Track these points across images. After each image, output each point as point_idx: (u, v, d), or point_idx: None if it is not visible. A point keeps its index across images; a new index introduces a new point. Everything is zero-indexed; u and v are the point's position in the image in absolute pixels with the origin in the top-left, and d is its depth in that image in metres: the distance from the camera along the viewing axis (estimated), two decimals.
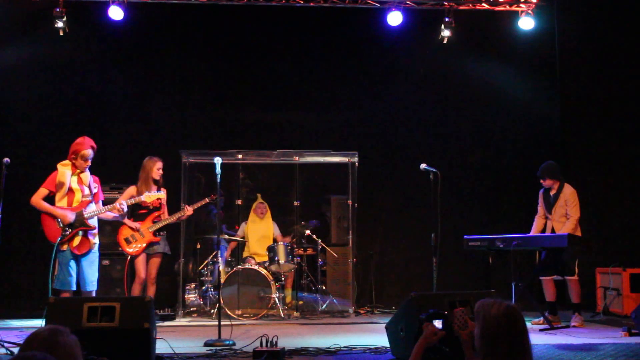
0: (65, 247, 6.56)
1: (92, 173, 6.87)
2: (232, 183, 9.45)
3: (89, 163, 6.74)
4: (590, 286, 8.89)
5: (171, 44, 10.00)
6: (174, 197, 8.32)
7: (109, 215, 7.04)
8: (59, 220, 6.56)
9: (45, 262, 7.85)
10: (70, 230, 6.54)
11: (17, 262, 9.32)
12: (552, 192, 7.87)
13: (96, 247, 6.78)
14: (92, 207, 6.78)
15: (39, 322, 6.14)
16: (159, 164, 7.72)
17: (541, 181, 7.94)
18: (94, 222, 6.75)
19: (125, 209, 7.07)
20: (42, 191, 6.68)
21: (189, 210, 7.77)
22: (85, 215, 6.65)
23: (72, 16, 9.24)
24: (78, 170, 6.70)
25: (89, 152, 6.69)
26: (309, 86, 10.25)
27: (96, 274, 6.77)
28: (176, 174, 8.86)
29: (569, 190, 7.80)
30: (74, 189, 6.67)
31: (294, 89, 10.23)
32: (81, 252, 6.62)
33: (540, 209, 8.06)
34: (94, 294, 6.69)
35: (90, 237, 6.69)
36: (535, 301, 7.79)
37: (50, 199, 6.69)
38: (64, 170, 6.66)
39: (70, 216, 6.55)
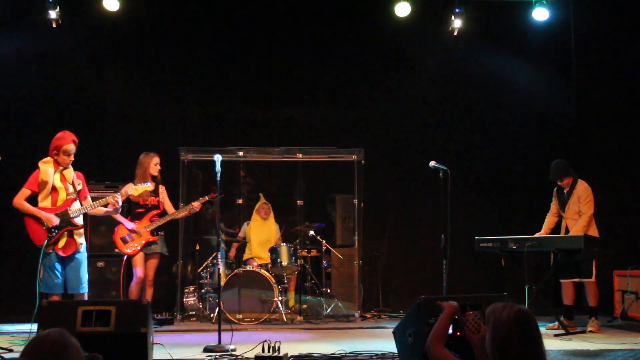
0: (50, 249, 6.29)
1: (76, 169, 6.61)
2: (232, 181, 9.34)
3: (72, 158, 6.48)
4: (607, 289, 8.74)
5: (169, 37, 9.84)
6: (173, 195, 8.23)
7: (101, 210, 6.75)
8: (43, 222, 6.29)
9: (35, 265, 7.65)
10: (56, 231, 6.28)
11: (6, 265, 9.16)
12: (566, 190, 7.76)
13: (83, 248, 6.49)
14: (77, 205, 6.51)
15: (29, 327, 6.03)
16: (156, 159, 7.66)
17: (558, 183, 7.84)
18: (80, 221, 6.49)
19: (120, 203, 6.80)
20: (25, 192, 6.41)
21: (196, 206, 7.72)
22: (71, 214, 6.37)
23: (65, 7, 9.05)
24: (61, 167, 6.44)
25: (72, 147, 6.43)
26: (313, 81, 10.11)
27: (86, 275, 6.49)
28: (174, 171, 8.76)
29: (582, 187, 7.68)
30: (57, 187, 6.40)
31: (297, 84, 10.09)
32: (67, 253, 6.33)
33: (554, 206, 7.98)
34: (86, 297, 6.44)
35: (76, 238, 6.41)
36: (550, 305, 7.79)
37: (33, 199, 6.43)
38: (46, 168, 6.40)
39: (55, 220, 6.27)
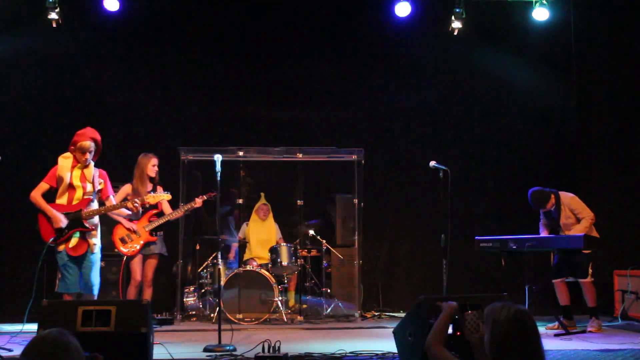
0: (61, 247, 6.16)
1: (97, 166, 6.43)
2: (232, 181, 9.32)
3: (88, 156, 6.29)
4: (607, 289, 8.69)
5: (169, 37, 9.82)
6: (173, 195, 8.07)
7: (124, 211, 6.69)
8: (51, 222, 6.17)
9: (36, 265, 7.60)
10: (66, 231, 6.14)
11: (6, 265, 9.14)
12: (552, 209, 7.66)
13: (97, 249, 6.33)
14: (94, 206, 6.35)
15: (31, 327, 6.00)
16: (154, 161, 7.61)
17: (542, 210, 7.75)
18: (94, 222, 6.32)
19: (140, 208, 6.78)
20: (43, 186, 6.26)
21: (198, 202, 7.65)
22: (84, 215, 6.21)
23: (66, 7, 9.06)
24: (80, 164, 6.27)
25: (88, 144, 6.26)
26: (313, 81, 10.08)
27: (98, 278, 6.33)
28: (174, 171, 8.72)
29: (567, 199, 7.60)
30: (75, 185, 6.24)
31: (297, 83, 10.06)
32: (77, 253, 6.20)
33: (543, 219, 7.91)
34: (95, 297, 6.29)
35: (89, 239, 6.25)
36: (550, 305, 7.69)
37: (52, 194, 6.28)
38: (64, 164, 6.26)
39: (63, 222, 6.13)
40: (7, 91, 9.37)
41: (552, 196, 7.59)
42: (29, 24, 9.27)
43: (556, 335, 6.94)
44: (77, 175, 6.26)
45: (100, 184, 6.41)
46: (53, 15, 8.92)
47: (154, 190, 7.71)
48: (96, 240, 6.33)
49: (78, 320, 4.55)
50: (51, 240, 6.11)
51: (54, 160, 6.41)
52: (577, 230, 7.38)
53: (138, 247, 7.44)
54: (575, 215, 7.51)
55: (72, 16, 9.21)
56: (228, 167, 7.80)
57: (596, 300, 7.48)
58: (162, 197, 7.07)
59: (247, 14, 9.83)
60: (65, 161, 6.27)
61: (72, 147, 6.28)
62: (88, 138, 6.27)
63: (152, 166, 7.61)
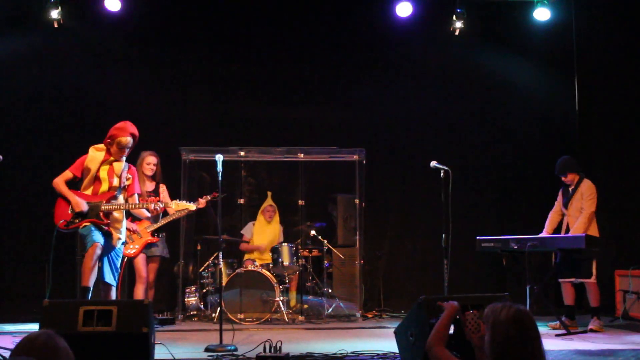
0: (86, 223, 5.90)
1: (127, 162, 6.21)
2: (234, 181, 9.30)
3: (125, 152, 6.07)
4: (609, 289, 8.70)
5: (171, 36, 9.80)
6: (174, 196, 8.15)
7: (144, 213, 6.43)
8: (72, 206, 5.92)
9: (39, 265, 7.61)
10: (80, 219, 5.89)
11: (9, 265, 9.12)
12: (571, 187, 7.73)
13: (119, 244, 6.10)
14: (118, 201, 6.08)
15: (32, 327, 5.98)
16: (149, 159, 7.55)
17: (562, 178, 7.78)
18: (116, 216, 6.05)
19: (160, 212, 6.55)
20: (67, 174, 6.03)
21: (202, 203, 7.55)
22: (103, 208, 5.96)
23: (67, 6, 9.06)
24: (111, 158, 6.04)
25: (128, 140, 6.02)
26: (314, 80, 10.06)
27: (116, 271, 6.11)
28: (176, 171, 8.73)
29: (586, 184, 7.66)
30: (101, 178, 6.01)
31: (298, 83, 10.05)
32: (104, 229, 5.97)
33: (557, 204, 7.93)
34: (113, 291, 6.08)
35: (113, 232, 6.02)
36: (551, 305, 7.69)
37: (77, 185, 6.09)
38: (95, 155, 6.02)
39: (84, 206, 5.88)
40: (7, 91, 9.34)
41: (577, 175, 7.69)
42: (29, 23, 9.25)
43: (557, 335, 6.93)
44: (106, 168, 6.04)
45: (128, 179, 6.17)
46: (54, 15, 8.91)
47: (156, 189, 7.68)
48: (121, 236, 6.11)
49: (79, 320, 4.52)
50: (61, 221, 5.87)
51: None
52: (577, 229, 7.42)
53: (139, 248, 7.43)
54: (582, 201, 7.55)
55: (73, 16, 9.19)
56: (229, 167, 7.82)
57: (599, 300, 7.49)
58: (187, 206, 6.60)
59: (248, 14, 9.81)
60: (97, 153, 6.04)
61: (109, 141, 6.02)
62: (128, 134, 6.02)
63: (146, 164, 7.55)
